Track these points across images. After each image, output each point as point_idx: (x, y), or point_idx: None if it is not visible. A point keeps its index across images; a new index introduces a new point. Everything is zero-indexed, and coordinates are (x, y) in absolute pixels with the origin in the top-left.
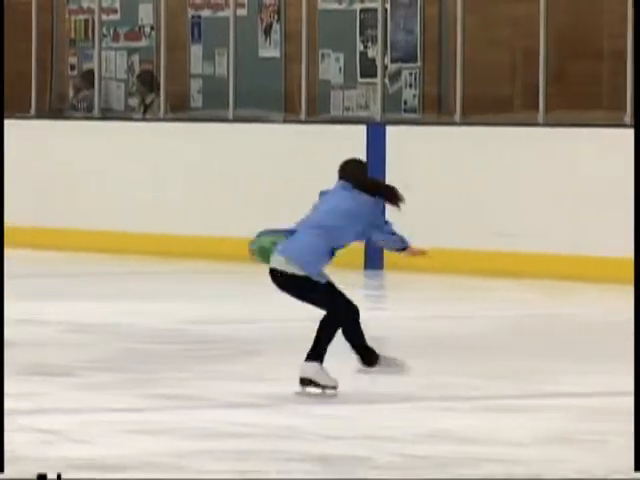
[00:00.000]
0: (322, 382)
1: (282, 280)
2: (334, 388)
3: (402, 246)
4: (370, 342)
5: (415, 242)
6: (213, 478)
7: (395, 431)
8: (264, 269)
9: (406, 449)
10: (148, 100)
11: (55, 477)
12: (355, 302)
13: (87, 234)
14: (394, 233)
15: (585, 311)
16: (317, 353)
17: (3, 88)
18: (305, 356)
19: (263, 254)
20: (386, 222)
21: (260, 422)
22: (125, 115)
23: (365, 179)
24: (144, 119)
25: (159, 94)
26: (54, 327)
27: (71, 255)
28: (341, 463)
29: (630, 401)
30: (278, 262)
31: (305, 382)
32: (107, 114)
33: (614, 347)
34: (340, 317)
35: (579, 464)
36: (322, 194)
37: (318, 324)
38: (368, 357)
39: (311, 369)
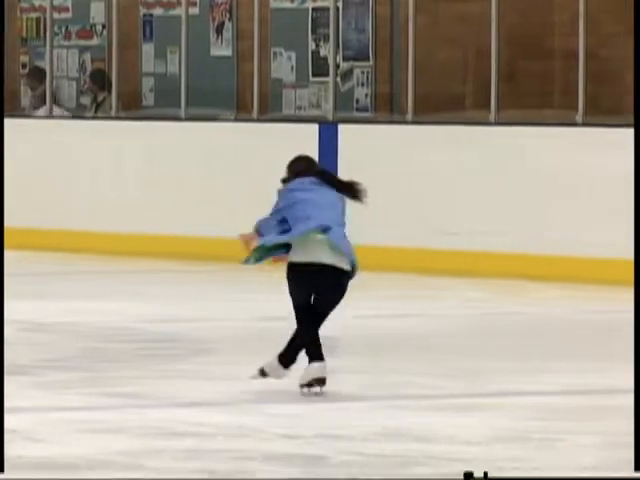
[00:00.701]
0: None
1: (330, 276)
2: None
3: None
4: (325, 342)
5: (368, 241)
6: (168, 477)
7: (350, 430)
8: (218, 268)
9: (361, 448)
10: (100, 98)
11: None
12: None
13: (42, 233)
14: None
15: (539, 310)
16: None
17: (3, 88)
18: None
19: (265, 250)
20: None
21: (215, 421)
22: (77, 113)
23: (333, 175)
24: (96, 117)
25: (111, 92)
26: (10, 326)
27: (26, 254)
28: (297, 462)
29: (584, 399)
30: (332, 256)
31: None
32: (58, 112)
33: (567, 346)
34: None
35: (532, 463)
36: (297, 190)
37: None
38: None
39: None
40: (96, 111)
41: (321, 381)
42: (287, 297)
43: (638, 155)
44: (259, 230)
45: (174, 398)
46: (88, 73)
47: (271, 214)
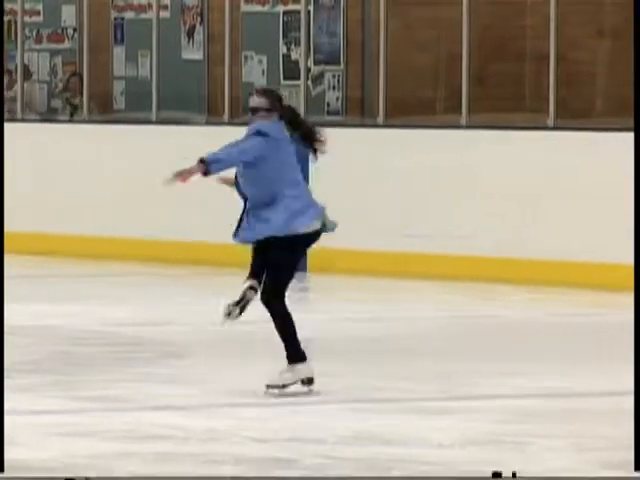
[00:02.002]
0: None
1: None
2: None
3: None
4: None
5: (339, 244)
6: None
7: (320, 433)
8: (189, 272)
9: (333, 451)
10: (76, 101)
11: None
12: None
13: (15, 236)
14: None
15: (510, 313)
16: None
17: (3, 88)
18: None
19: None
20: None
21: (185, 424)
22: (48, 117)
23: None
24: (67, 121)
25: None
26: None
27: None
28: (266, 465)
29: (553, 402)
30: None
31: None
32: (30, 116)
33: (538, 349)
34: None
35: (500, 466)
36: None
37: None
38: None
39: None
40: (72, 115)
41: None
42: (257, 300)
43: (638, 156)
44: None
45: (145, 401)
46: (67, 76)
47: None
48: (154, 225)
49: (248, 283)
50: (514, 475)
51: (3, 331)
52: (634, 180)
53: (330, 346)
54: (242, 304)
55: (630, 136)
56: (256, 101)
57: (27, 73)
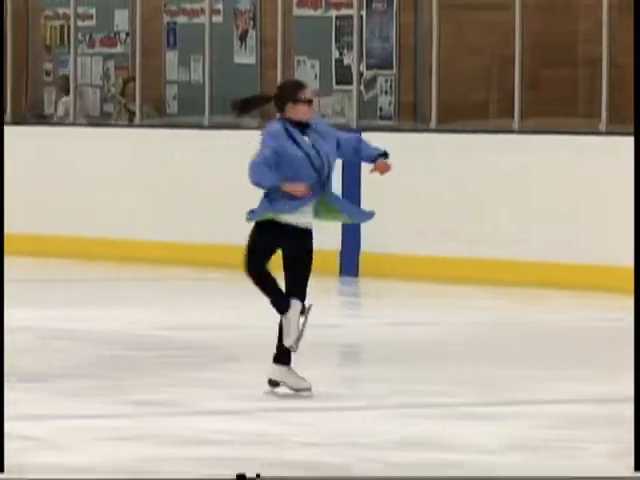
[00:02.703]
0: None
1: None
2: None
3: None
4: (345, 349)
5: (388, 249)
6: None
7: (369, 438)
8: (237, 276)
9: (380, 456)
10: (133, 108)
11: None
12: (329, 309)
13: (64, 240)
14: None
15: (557, 318)
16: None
17: (3, 88)
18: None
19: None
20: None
21: (236, 429)
22: (101, 121)
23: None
24: (120, 125)
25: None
26: (30, 333)
27: (46, 261)
28: (319, 470)
29: (602, 408)
30: None
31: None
32: (83, 120)
33: (586, 354)
34: None
35: (548, 471)
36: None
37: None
38: None
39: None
40: (130, 120)
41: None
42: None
43: (638, 158)
44: None
45: (194, 406)
46: (121, 82)
47: None
48: (203, 229)
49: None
50: None
51: (3, 331)
52: (634, 180)
53: (379, 351)
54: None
55: None
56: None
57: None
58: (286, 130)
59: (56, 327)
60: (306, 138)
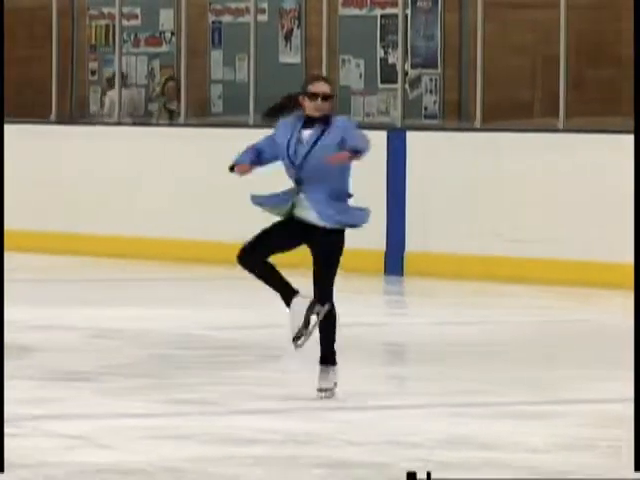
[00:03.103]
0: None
1: None
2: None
3: None
4: (391, 347)
5: (433, 248)
6: None
7: (415, 437)
8: (289, 274)
9: (427, 455)
10: (173, 106)
11: None
12: (375, 308)
13: (107, 240)
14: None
15: (603, 317)
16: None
17: (3, 88)
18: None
19: None
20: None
21: (282, 428)
22: (146, 121)
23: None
24: (165, 124)
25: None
26: (76, 332)
27: (89, 260)
28: (362, 469)
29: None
30: None
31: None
32: (128, 119)
33: (631, 353)
34: None
35: (596, 470)
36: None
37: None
38: None
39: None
40: (171, 119)
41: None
42: (353, 304)
43: (638, 156)
44: None
45: (242, 405)
46: (162, 81)
47: None
48: (247, 228)
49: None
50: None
51: (3, 331)
52: (634, 180)
53: (425, 350)
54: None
55: None
56: (326, 87)
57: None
58: (295, 123)
59: (102, 326)
60: (308, 132)
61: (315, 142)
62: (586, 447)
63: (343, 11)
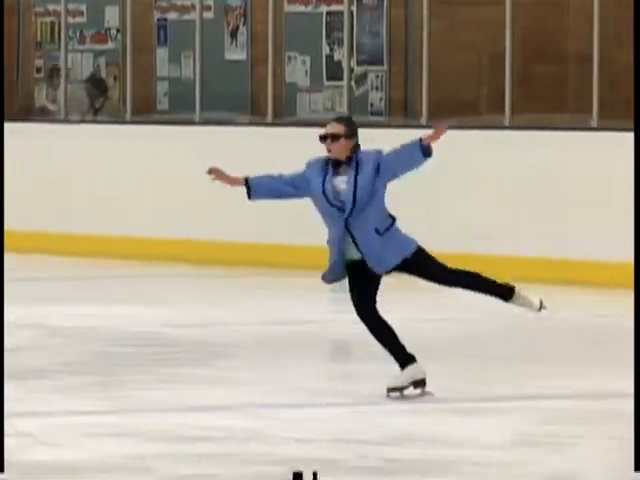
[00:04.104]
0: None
1: None
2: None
3: None
4: (338, 344)
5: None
6: None
7: (362, 434)
8: (230, 272)
9: (374, 451)
10: (98, 104)
11: None
12: (320, 305)
13: (55, 237)
14: None
15: (565, 314)
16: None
17: (3, 88)
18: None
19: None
20: None
21: (225, 425)
22: (92, 118)
23: None
24: (110, 122)
25: (108, 97)
26: (27, 330)
27: (42, 258)
28: (308, 466)
29: (606, 404)
30: None
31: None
32: (75, 116)
33: (585, 350)
34: None
35: (548, 466)
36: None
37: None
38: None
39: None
40: (95, 115)
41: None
42: (297, 301)
43: (638, 156)
44: None
45: (185, 402)
46: (86, 78)
47: None
48: (195, 226)
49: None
50: None
51: (3, 331)
52: (634, 180)
53: (373, 347)
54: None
55: None
56: (335, 128)
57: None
58: (323, 167)
59: (52, 324)
60: (341, 178)
61: (355, 185)
62: (539, 443)
63: (289, 8)
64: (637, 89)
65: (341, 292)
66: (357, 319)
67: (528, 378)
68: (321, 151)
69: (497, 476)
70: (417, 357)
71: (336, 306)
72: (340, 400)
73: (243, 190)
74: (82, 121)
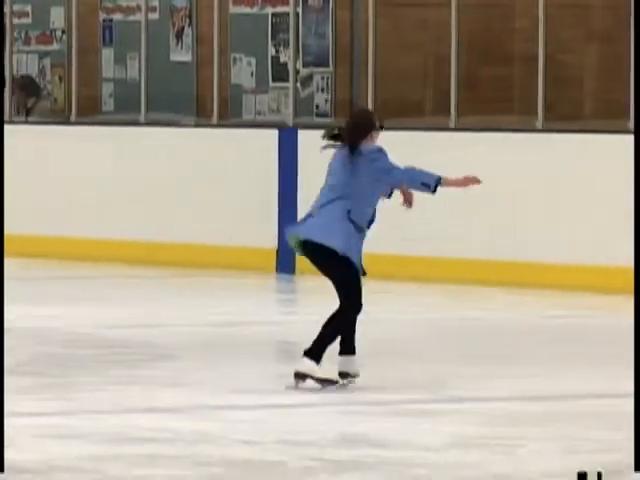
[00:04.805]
0: (320, 376)
1: None
2: (333, 382)
3: None
4: (282, 346)
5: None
6: None
7: (309, 435)
8: (174, 273)
9: (320, 454)
10: (29, 104)
11: None
12: (266, 307)
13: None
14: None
15: (495, 315)
16: (318, 353)
17: (3, 88)
18: (304, 351)
19: None
20: None
21: (173, 427)
22: (37, 119)
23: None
24: (56, 123)
25: (40, 97)
26: None
27: None
28: (255, 468)
29: (541, 405)
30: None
31: (300, 376)
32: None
33: (522, 351)
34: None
35: (487, 469)
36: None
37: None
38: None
39: (308, 365)
40: (27, 116)
41: (297, 375)
42: (243, 302)
43: (638, 156)
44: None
45: (133, 404)
46: (15, 80)
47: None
48: (140, 227)
49: None
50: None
51: (3, 332)
52: (634, 180)
53: None
54: None
55: (619, 138)
56: None
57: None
58: None
59: None
60: None
61: None
62: (480, 445)
63: (234, 9)
64: (637, 88)
65: (287, 293)
66: (304, 320)
67: (470, 380)
68: (263, 152)
69: (438, 477)
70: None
71: (282, 307)
72: (287, 401)
73: (189, 192)
74: (26, 122)
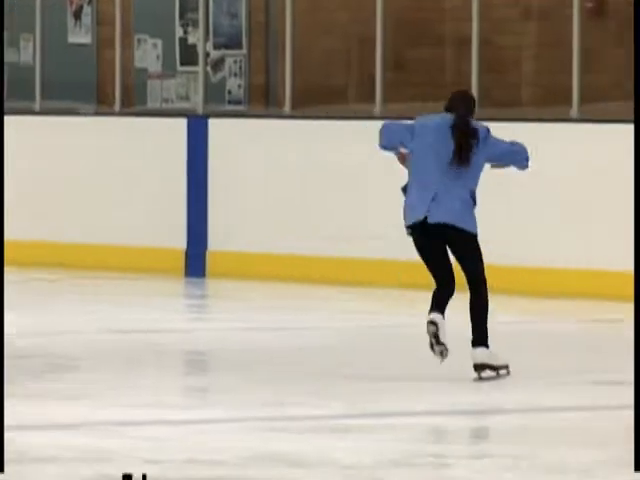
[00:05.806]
0: (495, 364)
1: None
2: (506, 368)
3: None
4: (192, 356)
5: (240, 247)
6: None
7: (217, 454)
8: (76, 276)
9: (229, 473)
10: None
11: None
12: (174, 313)
13: None
14: None
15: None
16: (485, 337)
17: (3, 88)
18: (472, 342)
19: None
20: None
21: (75, 444)
22: None
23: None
24: None
25: None
26: None
27: None
28: None
29: (468, 421)
30: None
31: (479, 367)
32: None
33: (456, 363)
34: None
35: None
36: None
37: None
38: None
39: (486, 354)
40: None
41: (477, 367)
42: (139, 309)
43: (638, 155)
44: None
45: (30, 420)
46: None
47: None
48: (33, 226)
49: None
50: None
51: (3, 332)
52: (634, 180)
53: (229, 358)
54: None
55: (560, 127)
56: None
57: None
58: None
59: None
60: None
61: None
62: (405, 463)
63: None
64: (637, 88)
65: (197, 298)
66: (215, 327)
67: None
68: (170, 143)
69: None
70: (253, 370)
71: (191, 313)
72: (195, 417)
73: (87, 188)
74: None
